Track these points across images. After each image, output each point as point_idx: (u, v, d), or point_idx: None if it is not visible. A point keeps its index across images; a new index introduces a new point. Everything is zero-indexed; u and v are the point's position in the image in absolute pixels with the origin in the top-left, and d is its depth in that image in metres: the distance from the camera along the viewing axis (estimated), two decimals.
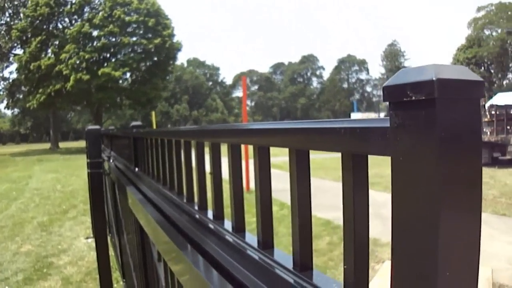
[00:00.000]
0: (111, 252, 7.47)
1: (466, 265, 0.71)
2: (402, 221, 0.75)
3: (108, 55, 56.31)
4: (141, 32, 57.41)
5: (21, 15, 57.46)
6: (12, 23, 59.97)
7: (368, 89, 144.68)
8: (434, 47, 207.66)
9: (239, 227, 1.64)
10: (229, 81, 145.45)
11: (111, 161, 6.36)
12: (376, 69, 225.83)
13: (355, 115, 39.52)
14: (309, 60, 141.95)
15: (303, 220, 1.23)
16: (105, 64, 54.58)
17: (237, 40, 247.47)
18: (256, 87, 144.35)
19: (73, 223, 12.81)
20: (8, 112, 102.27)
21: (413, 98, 0.71)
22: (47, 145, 70.11)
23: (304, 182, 1.23)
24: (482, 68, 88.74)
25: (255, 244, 1.44)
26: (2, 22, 62.23)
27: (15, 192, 19.60)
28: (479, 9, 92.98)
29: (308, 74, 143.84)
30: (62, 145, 65.35)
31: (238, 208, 1.65)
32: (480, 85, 0.72)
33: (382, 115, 40.28)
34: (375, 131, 0.86)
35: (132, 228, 3.60)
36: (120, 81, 57.53)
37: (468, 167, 0.71)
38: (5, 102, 67.58)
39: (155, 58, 59.37)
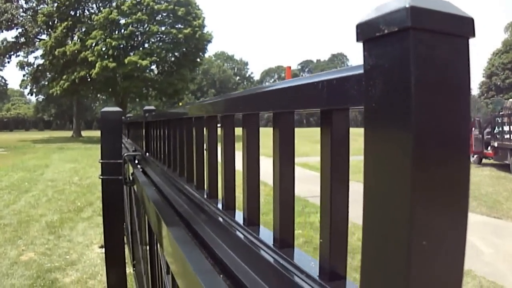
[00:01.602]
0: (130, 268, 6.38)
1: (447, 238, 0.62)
2: (373, 186, 0.67)
3: (135, 44, 55.97)
4: (171, 21, 56.75)
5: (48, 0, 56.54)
6: (38, 8, 60.03)
7: None
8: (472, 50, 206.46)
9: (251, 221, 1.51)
10: (256, 76, 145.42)
11: (136, 162, 5.02)
12: None
13: None
14: (338, 59, 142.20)
15: (285, 196, 1.21)
16: (132, 53, 54.21)
17: (266, 35, 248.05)
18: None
19: (87, 226, 11.33)
20: (33, 99, 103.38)
21: (386, 31, 0.62)
22: (69, 133, 70.80)
23: (288, 153, 1.21)
24: None
25: (270, 242, 1.28)
26: (29, 6, 62.19)
27: (28, 183, 18.54)
28: None
29: None
30: (84, 133, 65.28)
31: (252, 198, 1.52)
32: (467, 21, 0.63)
33: None
34: (350, 80, 0.78)
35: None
36: (147, 71, 56.81)
37: (451, 119, 0.61)
38: (28, 87, 67.20)
39: (184, 49, 58.36)
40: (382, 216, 0.65)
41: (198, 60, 62.66)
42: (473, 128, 25.39)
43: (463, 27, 0.62)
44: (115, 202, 5.30)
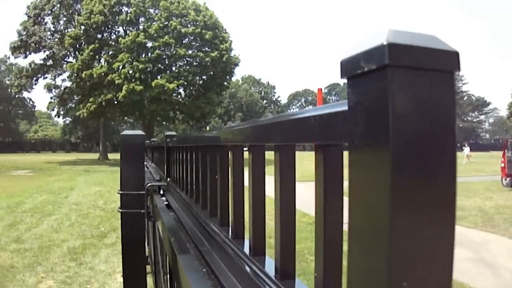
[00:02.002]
0: None
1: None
2: (357, 213, 0.69)
3: (162, 67, 55.72)
4: (198, 44, 56.57)
5: (75, 22, 57.26)
6: (66, 31, 60.72)
7: None
8: (494, 70, 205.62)
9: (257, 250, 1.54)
10: (284, 99, 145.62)
11: (160, 192, 4.68)
12: None
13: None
14: None
15: (286, 222, 1.24)
16: (160, 76, 54.10)
17: (293, 58, 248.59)
18: (310, 107, 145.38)
19: (110, 252, 10.72)
20: (60, 121, 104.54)
21: (365, 69, 0.63)
22: (96, 155, 71.10)
23: (289, 184, 1.24)
24: None
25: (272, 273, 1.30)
26: (57, 29, 63.15)
27: (52, 205, 18.16)
28: None
29: None
30: (111, 156, 65.08)
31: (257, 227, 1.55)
32: (452, 55, 0.63)
33: None
34: (337, 116, 0.79)
35: None
36: (174, 94, 56.52)
37: (434, 156, 0.63)
38: (55, 110, 67.77)
39: (211, 72, 57.27)
40: (366, 245, 0.66)
41: (225, 83, 62.32)
42: (506, 150, 24.66)
43: (446, 61, 0.62)
44: (136, 238, 4.57)
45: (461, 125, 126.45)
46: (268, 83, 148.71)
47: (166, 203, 3.88)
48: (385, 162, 0.60)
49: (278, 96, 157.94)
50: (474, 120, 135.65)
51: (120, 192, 4.54)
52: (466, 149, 56.34)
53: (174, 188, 4.02)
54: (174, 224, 2.83)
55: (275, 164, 1.21)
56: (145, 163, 5.28)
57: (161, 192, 4.61)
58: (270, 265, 1.35)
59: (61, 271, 9.06)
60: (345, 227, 0.83)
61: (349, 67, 0.68)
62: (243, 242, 1.73)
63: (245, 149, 1.76)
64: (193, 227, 2.56)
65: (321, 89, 22.60)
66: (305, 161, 9.15)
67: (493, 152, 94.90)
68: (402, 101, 0.59)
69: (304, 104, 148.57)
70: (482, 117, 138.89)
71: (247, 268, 1.49)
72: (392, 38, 0.60)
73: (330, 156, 0.94)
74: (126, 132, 4.80)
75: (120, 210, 4.52)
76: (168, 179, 4.67)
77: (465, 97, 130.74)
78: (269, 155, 1.49)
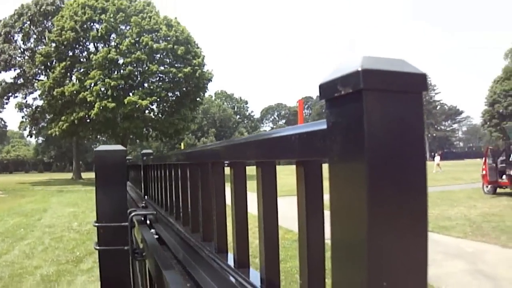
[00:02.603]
0: None
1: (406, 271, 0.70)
2: (338, 222, 0.74)
3: (135, 83, 55.08)
4: (170, 60, 55.96)
5: (46, 40, 56.97)
6: (36, 48, 60.29)
7: None
8: (467, 80, 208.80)
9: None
10: (257, 114, 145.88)
11: (147, 222, 3.80)
12: None
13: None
14: None
15: (269, 238, 1.28)
16: (132, 93, 53.47)
17: (265, 73, 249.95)
18: (283, 121, 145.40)
19: (86, 279, 10.16)
20: (33, 140, 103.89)
21: (342, 92, 0.70)
22: (69, 175, 69.85)
23: (271, 198, 1.28)
24: None
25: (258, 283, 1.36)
26: (27, 47, 62.69)
27: (24, 229, 17.63)
28: None
29: None
30: (85, 175, 64.32)
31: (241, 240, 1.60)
32: (419, 77, 0.70)
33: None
34: (316, 134, 0.85)
35: None
36: (147, 111, 55.97)
37: (406, 169, 0.69)
38: (28, 129, 66.94)
39: (184, 88, 57.01)
40: (345, 257, 0.71)
41: (199, 99, 61.68)
42: (487, 158, 24.69)
43: (415, 84, 0.68)
44: (119, 282, 3.71)
45: (434, 134, 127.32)
46: (240, 98, 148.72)
47: (156, 236, 3.15)
48: (361, 175, 0.65)
49: (251, 111, 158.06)
50: (448, 129, 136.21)
51: (97, 224, 3.61)
52: (437, 158, 56.35)
53: (153, 205, 3.94)
54: (171, 264, 2.33)
55: (257, 179, 1.25)
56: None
57: (148, 222, 3.78)
58: (255, 276, 1.39)
59: None
60: (328, 236, 0.85)
61: (327, 90, 0.73)
62: (226, 256, 1.76)
63: (226, 164, 1.77)
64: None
65: (303, 100, 22.53)
66: (282, 175, 8.74)
67: (468, 160, 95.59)
68: (375, 120, 0.64)
69: (277, 118, 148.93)
70: (456, 125, 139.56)
71: (232, 279, 1.52)
72: (366, 65, 0.65)
73: (310, 171, 0.99)
74: (102, 147, 3.83)
75: (98, 248, 3.60)
76: (146, 197, 4.59)
77: (438, 107, 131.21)
78: (250, 170, 1.49)
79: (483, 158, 26.00)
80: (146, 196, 4.55)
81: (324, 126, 0.77)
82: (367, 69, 0.65)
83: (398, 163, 0.67)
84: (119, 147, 3.93)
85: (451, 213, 18.20)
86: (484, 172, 25.23)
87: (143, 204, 4.47)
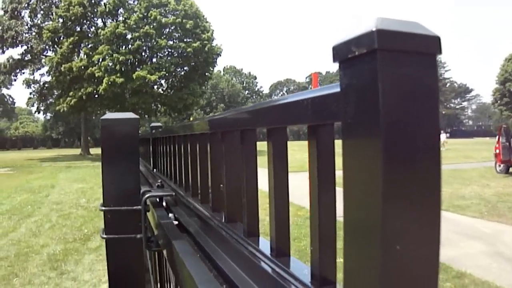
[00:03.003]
0: None
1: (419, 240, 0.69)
2: (351, 195, 0.73)
3: (143, 58, 55.09)
4: (179, 34, 55.79)
5: (53, 15, 56.61)
6: (43, 24, 59.82)
7: None
8: (478, 58, 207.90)
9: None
10: (266, 89, 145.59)
11: (164, 204, 3.24)
12: None
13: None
14: None
15: (280, 207, 1.26)
16: (140, 68, 53.27)
17: (274, 48, 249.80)
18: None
19: (94, 258, 9.88)
20: (41, 117, 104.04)
21: (356, 53, 0.69)
22: (78, 151, 69.81)
23: (281, 166, 1.26)
24: None
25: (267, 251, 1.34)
26: (34, 23, 62.44)
27: (31, 206, 17.30)
28: None
29: None
30: (93, 151, 64.22)
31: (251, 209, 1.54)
32: (433, 39, 0.69)
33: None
34: (331, 97, 0.84)
35: None
36: (155, 86, 55.96)
37: (421, 130, 0.68)
38: (35, 105, 66.71)
39: (193, 63, 57.48)
40: (360, 219, 0.70)
41: (208, 74, 61.55)
42: (500, 136, 24.25)
43: (430, 45, 0.67)
44: (130, 276, 3.07)
45: (444, 112, 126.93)
46: (249, 73, 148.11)
47: (175, 222, 2.68)
48: (376, 137, 0.64)
49: (261, 86, 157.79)
50: (457, 106, 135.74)
51: (104, 208, 2.96)
52: (442, 136, 55.63)
53: (168, 184, 3.49)
54: (193, 254, 1.99)
55: (268, 147, 1.25)
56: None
57: (164, 204, 3.24)
58: (265, 245, 1.37)
59: (40, 283, 8.21)
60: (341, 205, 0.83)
61: (340, 51, 0.72)
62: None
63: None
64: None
65: (317, 74, 22.01)
66: (290, 150, 8.36)
67: (477, 139, 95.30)
68: (390, 81, 0.64)
69: (286, 93, 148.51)
70: (465, 103, 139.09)
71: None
72: (381, 25, 0.64)
73: (323, 136, 0.96)
74: (110, 115, 3.08)
75: (105, 236, 2.98)
76: (155, 170, 4.45)
77: (448, 84, 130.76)
78: (260, 145, 1.51)
79: (496, 137, 25.86)
80: (155, 169, 4.40)
81: (338, 89, 0.75)
82: (381, 29, 0.64)
83: (413, 126, 0.66)
84: (131, 114, 3.10)
85: (465, 192, 17.96)
86: (497, 151, 25.04)
87: (159, 183, 3.69)
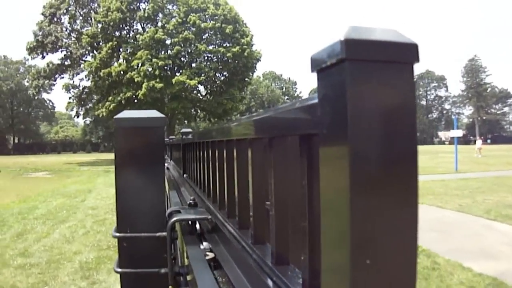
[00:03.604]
0: None
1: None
2: (326, 204, 0.74)
3: (182, 63, 54.93)
4: (218, 39, 55.73)
5: (92, 20, 57.27)
6: (82, 30, 60.48)
7: (447, 106, 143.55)
8: None
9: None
10: (305, 95, 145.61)
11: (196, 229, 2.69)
12: (456, 86, 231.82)
13: (455, 132, 36.99)
14: None
15: (280, 212, 1.29)
16: (180, 73, 53.48)
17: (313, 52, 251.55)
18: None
19: None
20: (81, 121, 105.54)
21: (328, 63, 0.68)
22: None
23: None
24: None
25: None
26: (73, 28, 62.89)
27: (66, 211, 17.00)
28: None
29: None
30: None
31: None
32: (410, 47, 0.67)
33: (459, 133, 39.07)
34: (310, 108, 0.83)
35: None
36: (195, 91, 55.92)
37: (394, 144, 0.67)
38: (74, 110, 67.15)
39: (233, 68, 57.38)
40: (333, 225, 0.71)
41: (247, 79, 61.26)
42: None
43: (405, 54, 0.66)
44: None
45: (484, 118, 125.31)
46: (289, 78, 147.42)
47: (210, 254, 2.12)
48: (345, 149, 0.64)
49: (300, 92, 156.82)
50: (498, 112, 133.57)
51: (118, 234, 2.38)
52: (478, 142, 54.65)
53: (204, 201, 2.94)
54: None
55: (267, 156, 1.30)
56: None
57: (198, 227, 2.68)
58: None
59: None
60: None
61: (316, 61, 0.71)
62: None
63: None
64: None
65: None
66: None
67: None
68: (359, 91, 0.63)
69: None
70: (506, 109, 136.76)
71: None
72: (350, 34, 0.63)
73: (307, 146, 0.95)
74: (125, 113, 2.46)
75: (120, 270, 2.39)
76: (185, 175, 4.33)
77: (489, 89, 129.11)
78: None
79: None
80: (185, 175, 4.32)
81: (316, 100, 0.75)
82: (349, 39, 0.63)
83: (386, 135, 0.65)
84: (154, 113, 2.46)
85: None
86: None
87: (191, 201, 2.93)
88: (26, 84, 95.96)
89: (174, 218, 2.32)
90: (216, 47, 55.24)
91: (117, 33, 55.61)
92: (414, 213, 0.66)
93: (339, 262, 0.67)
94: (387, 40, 0.64)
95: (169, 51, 53.26)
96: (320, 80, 0.72)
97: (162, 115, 2.43)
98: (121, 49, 55.16)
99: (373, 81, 0.63)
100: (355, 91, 0.62)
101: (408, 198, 0.66)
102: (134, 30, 57.39)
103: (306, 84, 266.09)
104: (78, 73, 64.76)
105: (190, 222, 2.63)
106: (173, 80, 50.76)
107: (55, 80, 66.75)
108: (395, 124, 0.64)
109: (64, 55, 63.02)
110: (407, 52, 0.65)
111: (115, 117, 2.32)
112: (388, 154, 0.64)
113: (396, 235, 0.66)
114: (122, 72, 51.99)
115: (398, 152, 0.65)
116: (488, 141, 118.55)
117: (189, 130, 4.67)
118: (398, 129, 0.65)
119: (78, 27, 62.26)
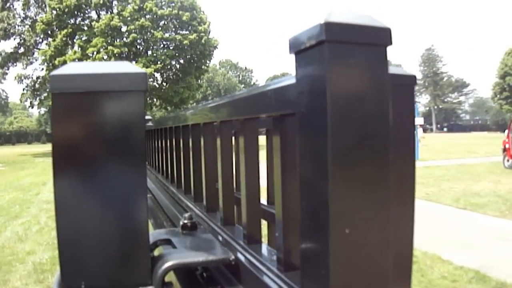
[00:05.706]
0: None
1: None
2: (305, 183, 0.75)
3: (138, 51, 54.62)
4: (175, 26, 55.30)
5: (46, 7, 55.95)
6: (36, 16, 59.46)
7: None
8: (477, 52, 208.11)
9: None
10: (262, 83, 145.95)
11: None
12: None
13: (417, 120, 36.94)
14: None
15: (250, 192, 1.22)
16: (136, 61, 52.66)
17: (270, 42, 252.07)
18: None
19: None
20: (35, 112, 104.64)
21: (307, 45, 0.70)
22: None
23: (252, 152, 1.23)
24: None
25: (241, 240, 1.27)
26: (27, 15, 61.75)
27: (19, 205, 16.16)
28: None
29: None
30: None
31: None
32: (384, 31, 0.70)
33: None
34: (287, 89, 0.85)
35: None
36: (151, 79, 55.41)
37: (369, 121, 0.70)
38: (29, 100, 65.87)
39: (189, 55, 56.28)
40: (312, 203, 0.73)
41: (204, 67, 60.77)
42: (510, 131, 23.37)
43: (379, 37, 0.69)
44: None
45: (441, 106, 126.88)
46: (245, 67, 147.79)
47: None
48: (324, 127, 0.66)
49: (256, 80, 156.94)
50: (454, 101, 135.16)
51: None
52: (419, 131, 54.91)
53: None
54: None
55: (236, 138, 1.30)
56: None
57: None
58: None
59: None
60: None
61: (295, 44, 0.74)
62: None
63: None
64: None
65: None
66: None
67: (474, 133, 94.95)
68: (338, 72, 0.66)
69: None
70: (462, 98, 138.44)
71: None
72: (330, 17, 0.66)
73: (283, 126, 0.96)
74: (74, 66, 1.23)
75: None
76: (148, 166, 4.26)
77: (445, 78, 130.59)
78: None
79: (506, 131, 24.95)
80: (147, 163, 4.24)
81: (293, 81, 0.77)
82: (330, 22, 0.66)
83: (362, 114, 0.68)
84: (128, 66, 1.26)
85: (478, 189, 17.10)
86: (507, 146, 24.15)
87: (186, 220, 1.68)
88: None
89: (168, 264, 1.26)
90: (173, 34, 54.75)
91: (72, 20, 54.70)
92: (387, 186, 0.69)
93: (318, 234, 0.69)
94: (363, 24, 0.67)
95: (125, 39, 52.67)
96: (298, 61, 0.75)
97: (142, 70, 1.25)
98: (76, 37, 54.35)
99: (350, 62, 0.66)
100: (334, 71, 0.65)
101: (383, 171, 0.69)
102: (90, 17, 56.41)
103: (263, 73, 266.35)
104: (32, 62, 63.52)
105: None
106: None
107: (8, 69, 65.39)
108: (370, 102, 0.68)
109: (18, 43, 61.79)
110: (382, 36, 0.69)
111: (51, 73, 1.18)
112: (364, 131, 0.67)
113: (373, 205, 0.69)
114: (77, 60, 50.21)
115: (373, 129, 0.68)
116: (445, 129, 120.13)
117: (149, 117, 4.67)
118: (373, 107, 0.68)
119: (32, 14, 61.02)
